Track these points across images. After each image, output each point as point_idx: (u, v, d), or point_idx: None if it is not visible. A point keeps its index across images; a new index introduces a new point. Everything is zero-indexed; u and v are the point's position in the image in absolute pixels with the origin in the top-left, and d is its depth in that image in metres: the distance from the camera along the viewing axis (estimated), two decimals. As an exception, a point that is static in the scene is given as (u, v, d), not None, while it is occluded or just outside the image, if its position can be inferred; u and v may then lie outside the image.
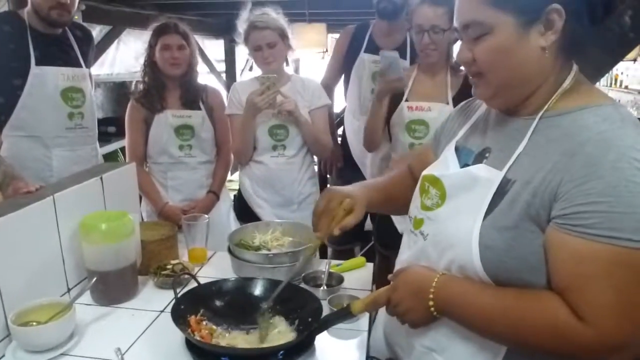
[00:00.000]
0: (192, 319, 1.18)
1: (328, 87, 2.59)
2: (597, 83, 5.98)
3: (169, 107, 2.17)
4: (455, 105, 1.89)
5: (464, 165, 0.99)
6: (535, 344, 0.82)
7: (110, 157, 3.99)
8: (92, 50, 2.31)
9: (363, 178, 2.63)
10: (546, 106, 0.88)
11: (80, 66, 2.13)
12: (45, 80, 1.99)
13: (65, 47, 2.10)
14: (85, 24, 3.02)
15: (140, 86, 2.18)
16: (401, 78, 1.88)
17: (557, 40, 0.85)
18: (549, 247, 0.81)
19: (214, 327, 1.19)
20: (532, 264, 0.83)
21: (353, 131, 2.71)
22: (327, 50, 4.40)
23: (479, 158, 0.97)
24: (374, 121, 2.05)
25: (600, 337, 0.75)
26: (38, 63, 1.96)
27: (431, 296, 0.91)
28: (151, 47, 2.13)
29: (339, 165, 2.83)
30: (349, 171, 2.73)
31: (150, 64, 2.15)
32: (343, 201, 1.10)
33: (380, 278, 1.52)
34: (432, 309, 0.92)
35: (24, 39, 1.94)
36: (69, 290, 1.36)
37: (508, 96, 0.92)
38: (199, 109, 2.21)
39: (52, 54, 2.02)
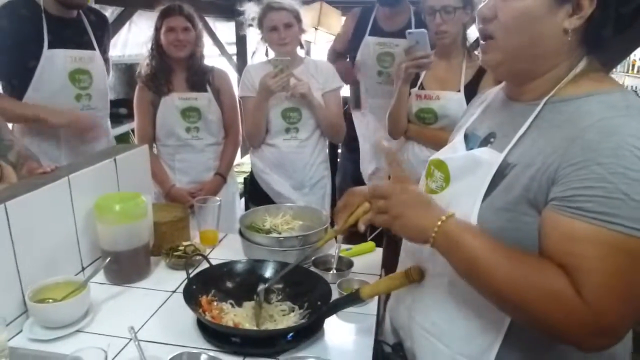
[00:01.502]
0: (204, 299, 1.20)
1: None
2: (614, 69, 5.90)
3: (175, 89, 2.18)
4: (466, 92, 1.89)
5: (469, 149, 1.00)
6: (532, 305, 0.78)
7: (122, 138, 4.00)
8: (107, 34, 2.31)
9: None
10: (552, 92, 0.87)
11: (92, 49, 2.14)
12: (54, 63, 2.00)
13: (80, 31, 2.10)
14: (97, 6, 2.99)
15: (147, 69, 2.19)
16: (429, 54, 1.84)
17: (580, 31, 0.84)
18: (542, 226, 0.81)
19: (224, 307, 1.21)
20: (528, 247, 0.83)
21: (357, 115, 2.72)
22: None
23: (484, 143, 0.97)
24: (399, 105, 2.00)
25: (595, 317, 0.74)
26: (50, 46, 1.98)
27: (443, 217, 0.86)
28: (157, 29, 2.14)
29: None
30: (356, 154, 2.74)
31: (157, 47, 2.15)
32: (362, 203, 1.11)
33: (389, 262, 1.53)
34: (440, 222, 0.85)
35: (39, 22, 1.96)
36: (83, 269, 1.38)
37: (515, 67, 0.90)
38: (206, 90, 2.22)
39: (66, 37, 2.03)
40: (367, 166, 2.62)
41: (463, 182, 0.95)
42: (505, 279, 0.80)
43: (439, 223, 0.86)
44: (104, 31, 2.25)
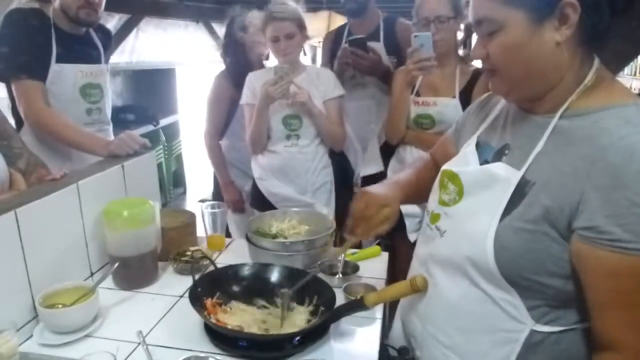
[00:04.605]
0: (209, 301, 1.21)
1: None
2: (621, 72, 5.84)
3: None
4: (461, 99, 1.93)
5: (483, 161, 0.99)
6: None
7: (152, 138, 4.01)
8: (110, 49, 2.34)
9: (349, 163, 2.64)
10: (566, 104, 0.86)
11: (100, 62, 2.16)
12: (64, 77, 2.00)
13: (88, 48, 2.11)
14: (105, 13, 2.99)
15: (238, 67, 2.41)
16: (432, 57, 1.85)
17: (575, 35, 0.82)
18: (581, 261, 0.80)
19: (229, 309, 1.22)
20: (549, 268, 0.83)
21: None
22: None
23: (498, 155, 0.96)
24: (400, 109, 2.01)
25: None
26: (58, 60, 1.98)
27: None
28: (239, 29, 2.36)
29: None
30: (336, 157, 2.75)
31: (240, 46, 2.42)
32: (381, 210, 1.10)
33: (389, 270, 1.53)
34: None
35: (48, 35, 1.96)
36: (92, 274, 1.40)
37: (524, 92, 0.91)
38: None
39: (75, 53, 2.02)
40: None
41: (478, 197, 0.94)
42: None
43: None
44: (108, 47, 2.28)
